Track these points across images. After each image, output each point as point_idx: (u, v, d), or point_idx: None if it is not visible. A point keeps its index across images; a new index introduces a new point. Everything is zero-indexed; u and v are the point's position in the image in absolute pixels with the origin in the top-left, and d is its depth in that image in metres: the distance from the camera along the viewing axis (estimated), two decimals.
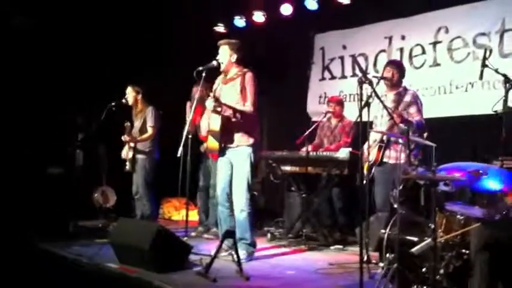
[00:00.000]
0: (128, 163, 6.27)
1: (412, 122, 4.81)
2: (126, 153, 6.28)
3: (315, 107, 7.77)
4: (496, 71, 4.83)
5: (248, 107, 4.88)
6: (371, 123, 4.76)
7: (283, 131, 7.45)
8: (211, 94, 4.86)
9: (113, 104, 6.30)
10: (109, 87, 6.84)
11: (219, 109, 4.81)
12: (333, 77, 7.78)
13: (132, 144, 6.21)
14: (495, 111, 4.57)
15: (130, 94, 6.38)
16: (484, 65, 4.78)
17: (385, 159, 5.04)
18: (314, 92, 7.95)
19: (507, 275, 3.24)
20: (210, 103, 4.79)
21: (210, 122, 4.92)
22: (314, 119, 7.33)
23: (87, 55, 7.37)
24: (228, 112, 4.87)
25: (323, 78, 7.90)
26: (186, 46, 7.64)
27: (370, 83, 4.20)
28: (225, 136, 4.89)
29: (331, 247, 5.67)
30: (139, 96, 6.38)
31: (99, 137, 6.52)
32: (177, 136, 5.14)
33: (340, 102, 6.66)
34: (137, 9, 7.55)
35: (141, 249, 4.25)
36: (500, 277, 3.23)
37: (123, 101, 6.38)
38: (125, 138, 6.21)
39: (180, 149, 4.77)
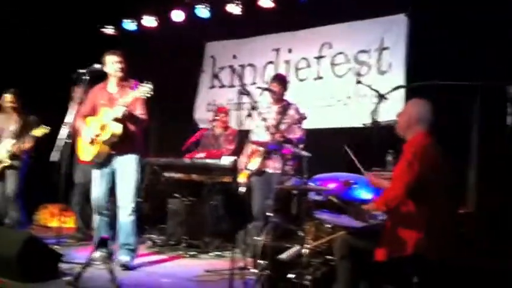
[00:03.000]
0: None
1: (292, 140, 4.95)
2: None
3: (203, 114, 7.80)
4: (369, 87, 5.15)
5: (143, 115, 4.84)
6: (250, 133, 4.87)
7: (171, 137, 7.39)
8: (122, 102, 4.64)
9: None
10: None
11: (121, 117, 4.65)
12: (222, 86, 7.87)
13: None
14: (364, 124, 4.85)
15: (6, 99, 6.06)
16: (358, 82, 5.10)
17: (264, 169, 5.16)
18: (203, 99, 7.99)
19: (366, 283, 3.43)
20: (120, 110, 4.59)
21: (108, 129, 4.71)
22: (201, 126, 7.35)
23: None
24: (127, 121, 4.75)
25: (213, 86, 7.97)
26: (70, 46, 7.36)
27: (249, 95, 4.32)
28: (120, 144, 4.75)
29: (211, 254, 5.68)
30: (16, 101, 6.07)
31: None
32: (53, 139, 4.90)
33: (227, 113, 6.75)
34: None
35: (7, 258, 4.02)
36: (360, 284, 3.41)
37: None
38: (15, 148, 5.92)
39: (54, 153, 4.57)
